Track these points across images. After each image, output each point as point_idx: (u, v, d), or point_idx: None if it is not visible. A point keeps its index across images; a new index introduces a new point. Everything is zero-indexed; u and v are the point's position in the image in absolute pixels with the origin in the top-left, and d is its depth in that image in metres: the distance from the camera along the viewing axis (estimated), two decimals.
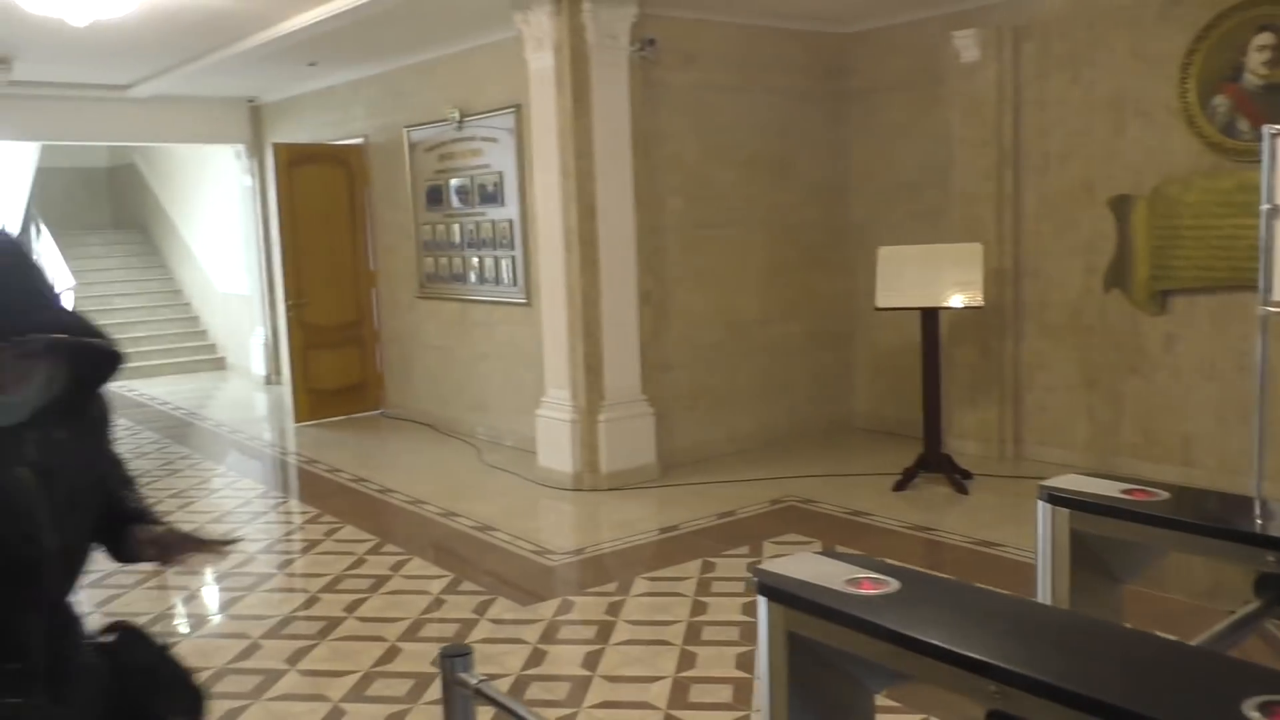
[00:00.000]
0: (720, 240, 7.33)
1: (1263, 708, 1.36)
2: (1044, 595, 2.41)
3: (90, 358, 1.72)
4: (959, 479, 6.21)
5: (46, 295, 1.71)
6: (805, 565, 2.04)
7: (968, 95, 6.91)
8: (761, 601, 2.00)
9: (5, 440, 1.66)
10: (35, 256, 1.63)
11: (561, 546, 5.65)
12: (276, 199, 9.33)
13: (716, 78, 7.19)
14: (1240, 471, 5.58)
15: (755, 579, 2.02)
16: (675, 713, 3.66)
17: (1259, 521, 2.16)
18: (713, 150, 7.23)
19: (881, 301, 6.36)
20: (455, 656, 2.23)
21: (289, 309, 9.25)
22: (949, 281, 6.17)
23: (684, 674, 3.96)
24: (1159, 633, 1.77)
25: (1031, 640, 1.66)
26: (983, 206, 6.88)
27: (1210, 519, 2.14)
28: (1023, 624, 1.75)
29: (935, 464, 6.29)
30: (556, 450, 6.79)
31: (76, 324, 1.68)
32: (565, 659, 4.16)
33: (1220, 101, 5.84)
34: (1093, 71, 6.41)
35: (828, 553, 2.06)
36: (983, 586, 2.22)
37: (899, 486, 6.27)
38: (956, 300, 6.17)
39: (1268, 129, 3.97)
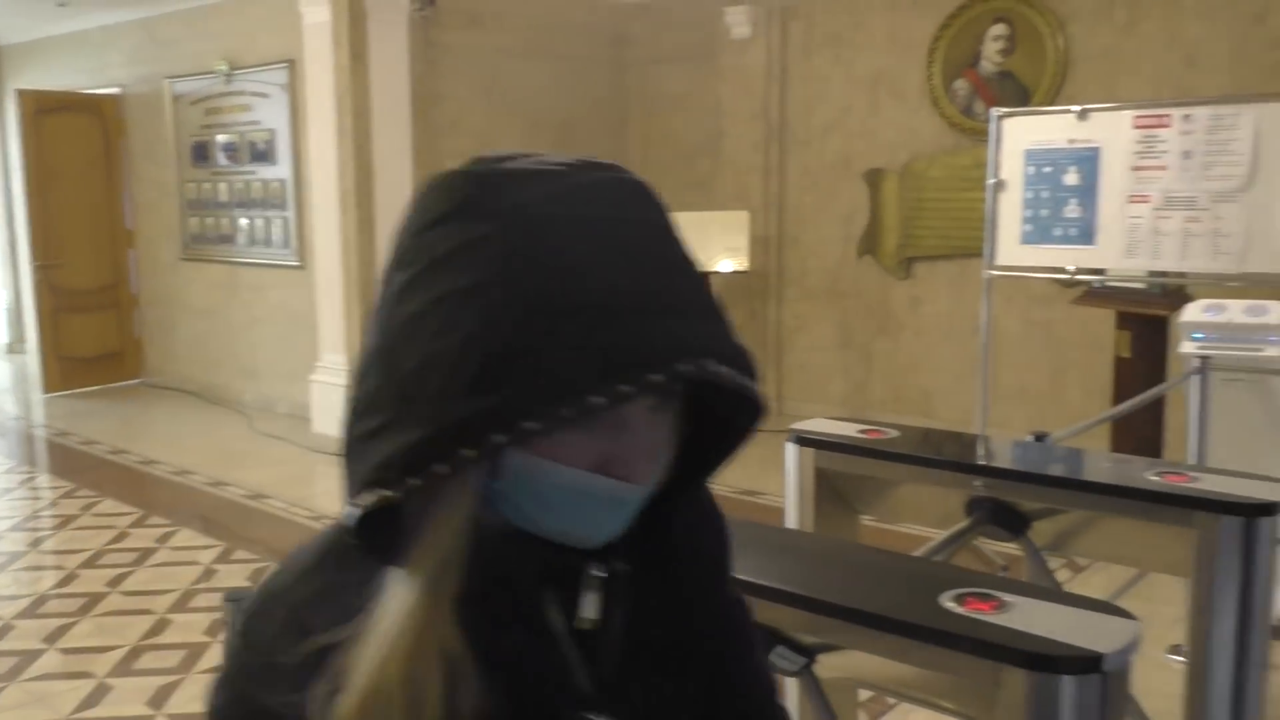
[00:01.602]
0: None
1: (957, 599, 1.58)
2: (791, 526, 2.64)
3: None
4: None
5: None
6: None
7: (738, 70, 7.22)
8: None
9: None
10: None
11: (339, 512, 5.58)
12: (21, 151, 8.63)
13: (501, 41, 7.20)
14: (973, 423, 6.16)
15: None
16: None
17: (970, 451, 2.45)
18: (497, 114, 7.25)
19: None
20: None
21: (35, 270, 8.61)
22: (717, 247, 6.47)
23: None
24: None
25: (769, 557, 1.85)
26: (751, 177, 7.23)
27: (931, 452, 2.41)
28: (762, 544, 1.93)
29: None
30: (332, 415, 6.67)
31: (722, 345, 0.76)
32: None
33: (961, 85, 6.37)
34: (853, 52, 6.83)
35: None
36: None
37: None
38: (724, 265, 6.47)
39: (994, 111, 4.39)
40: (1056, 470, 2.28)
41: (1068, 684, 1.40)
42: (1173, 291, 4.59)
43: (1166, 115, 3.98)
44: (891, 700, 3.18)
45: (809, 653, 1.74)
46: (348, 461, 0.73)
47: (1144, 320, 4.75)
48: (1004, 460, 2.37)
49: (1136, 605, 2.37)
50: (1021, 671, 1.42)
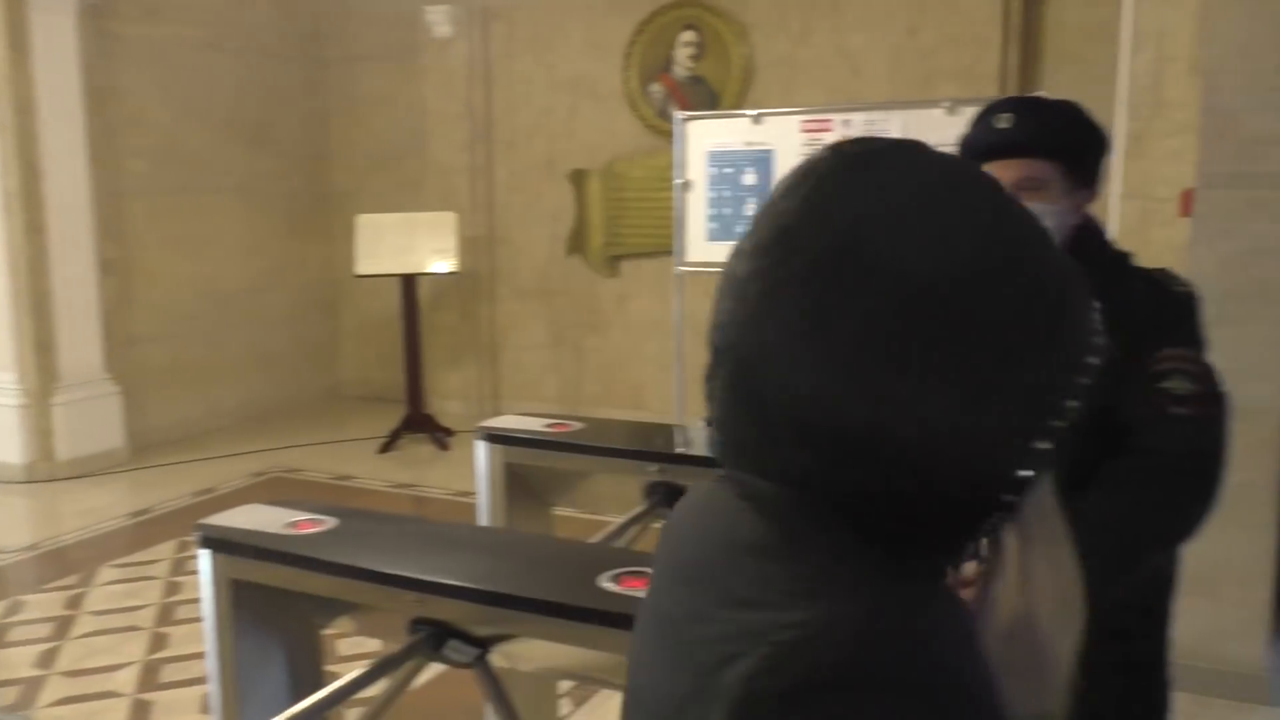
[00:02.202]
0: (196, 206, 6.97)
1: (615, 578, 1.66)
2: (484, 522, 2.67)
3: None
4: (441, 437, 6.51)
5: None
6: (247, 516, 2.10)
7: (442, 70, 7.17)
8: (203, 554, 2.03)
9: None
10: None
11: (12, 544, 5.10)
12: None
13: (185, 34, 6.79)
14: (683, 412, 6.44)
15: (198, 534, 2.04)
16: (144, 695, 3.52)
17: (646, 440, 2.57)
18: (183, 111, 6.84)
19: (361, 269, 6.47)
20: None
21: None
22: (426, 249, 6.42)
23: (155, 656, 3.80)
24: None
25: (449, 554, 1.87)
26: (458, 178, 7.21)
27: (610, 442, 2.51)
28: (444, 542, 1.96)
29: (419, 424, 6.53)
30: (3, 440, 6.08)
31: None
32: (14, 663, 3.80)
33: (656, 89, 6.63)
34: (553, 55, 6.95)
35: (271, 502, 2.14)
36: (418, 516, 2.41)
37: (384, 449, 6.44)
38: (433, 267, 6.43)
39: (678, 115, 4.62)
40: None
41: None
42: None
43: (828, 120, 4.33)
44: (593, 688, 3.29)
45: (483, 644, 1.77)
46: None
47: None
48: (677, 446, 2.51)
49: None
50: None
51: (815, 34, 6.16)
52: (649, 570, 1.69)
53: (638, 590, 1.62)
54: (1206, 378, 1.60)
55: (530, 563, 1.79)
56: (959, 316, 0.67)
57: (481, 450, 2.63)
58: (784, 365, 0.69)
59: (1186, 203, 3.12)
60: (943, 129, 3.77)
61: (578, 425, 2.61)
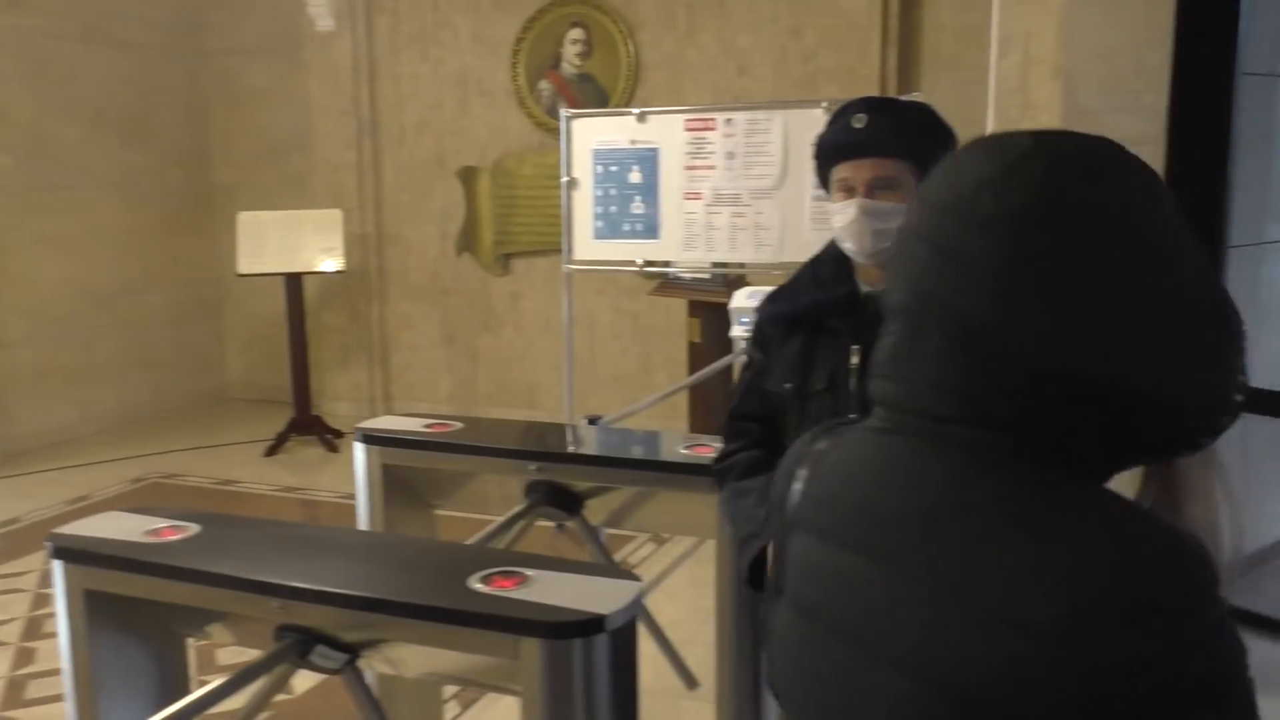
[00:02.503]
0: (66, 204, 6.69)
1: (484, 579, 1.65)
2: (364, 527, 2.63)
3: None
4: (330, 439, 6.38)
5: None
6: (105, 524, 2.03)
7: (326, 64, 7.02)
8: (56, 565, 1.95)
9: None
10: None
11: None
12: None
13: (49, 24, 6.51)
14: (573, 410, 6.43)
15: (49, 544, 1.96)
16: (9, 714, 3.37)
17: (525, 438, 2.56)
18: (51, 105, 6.55)
19: (244, 268, 6.29)
20: None
21: None
22: (312, 247, 6.28)
23: (20, 672, 3.64)
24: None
25: (316, 559, 1.83)
26: (345, 174, 7.07)
27: (489, 441, 2.49)
28: (312, 547, 1.92)
29: (306, 427, 6.39)
30: None
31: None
32: None
33: (545, 86, 6.60)
34: (440, 50, 6.87)
35: (131, 509, 2.06)
36: (287, 520, 2.34)
37: (270, 452, 6.28)
38: (320, 265, 6.29)
39: (563, 112, 4.60)
40: (600, 450, 2.44)
41: (576, 646, 1.51)
42: (734, 280, 5.04)
43: (712, 119, 4.37)
44: (479, 692, 3.26)
45: (352, 650, 1.74)
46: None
47: (710, 308, 5.18)
48: (556, 444, 2.51)
49: (704, 569, 2.59)
50: (536, 640, 1.51)
51: (702, 33, 6.21)
52: (516, 569, 1.69)
53: (505, 589, 1.61)
54: None
55: (400, 566, 1.77)
56: (1173, 284, 0.80)
57: (360, 452, 2.58)
58: (1027, 326, 0.80)
59: None
60: (821, 128, 3.84)
61: (457, 425, 2.58)
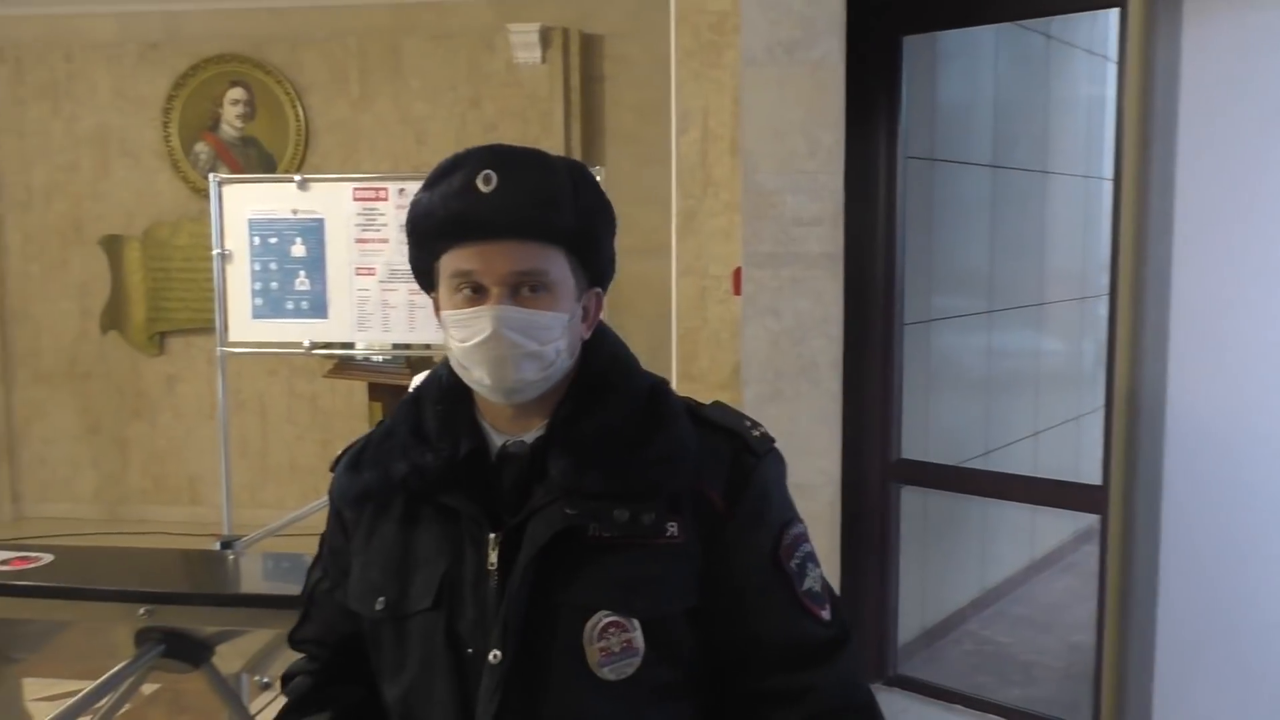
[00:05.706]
0: None
1: None
2: None
3: None
4: None
5: None
6: None
7: None
8: None
9: None
10: None
11: None
12: None
13: None
14: (243, 504, 5.76)
15: None
16: None
17: (135, 574, 2.08)
18: None
19: None
20: None
21: None
22: None
23: None
24: None
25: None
26: None
27: (87, 581, 1.99)
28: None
29: None
30: None
31: None
32: None
33: (202, 148, 6.01)
34: (75, 105, 6.11)
35: None
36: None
37: None
38: None
39: (212, 177, 4.10)
40: (228, 586, 2.01)
41: None
42: (417, 362, 4.68)
43: (384, 188, 4.02)
44: None
45: None
46: None
47: (393, 390, 4.79)
48: (173, 580, 2.04)
49: None
50: None
51: (377, 100, 5.88)
52: None
53: None
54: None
55: None
56: None
57: None
58: None
59: (737, 281, 3.15)
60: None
61: (47, 559, 2.06)
